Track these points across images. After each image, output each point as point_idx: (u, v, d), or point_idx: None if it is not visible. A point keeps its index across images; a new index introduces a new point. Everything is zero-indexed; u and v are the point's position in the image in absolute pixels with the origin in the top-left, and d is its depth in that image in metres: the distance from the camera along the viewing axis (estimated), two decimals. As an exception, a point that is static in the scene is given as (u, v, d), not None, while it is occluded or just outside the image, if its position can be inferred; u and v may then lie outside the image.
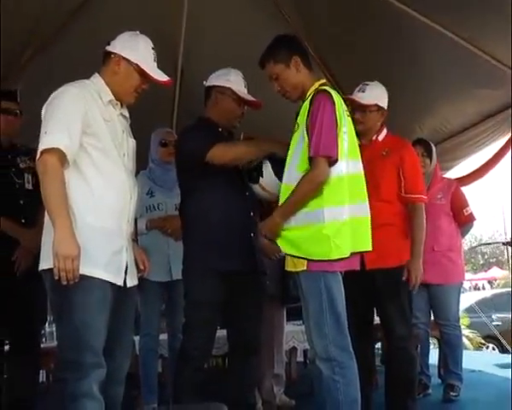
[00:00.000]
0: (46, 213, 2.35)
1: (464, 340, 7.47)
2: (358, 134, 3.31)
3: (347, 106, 2.83)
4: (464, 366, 4.50)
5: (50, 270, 2.27)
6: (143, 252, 2.77)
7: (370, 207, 2.77)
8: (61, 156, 2.32)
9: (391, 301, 3.29)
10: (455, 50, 4.44)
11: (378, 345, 4.97)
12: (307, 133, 2.62)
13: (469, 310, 10.33)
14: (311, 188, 2.61)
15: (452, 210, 4.44)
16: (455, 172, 5.62)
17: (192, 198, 3.10)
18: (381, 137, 3.46)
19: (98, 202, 2.42)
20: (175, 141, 3.95)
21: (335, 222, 2.59)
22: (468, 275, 20.72)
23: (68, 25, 4.53)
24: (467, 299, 11.58)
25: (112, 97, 2.55)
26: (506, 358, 6.48)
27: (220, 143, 2.99)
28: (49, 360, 3.80)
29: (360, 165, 2.77)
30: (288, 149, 2.74)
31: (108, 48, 2.59)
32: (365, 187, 2.77)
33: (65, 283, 2.23)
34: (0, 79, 3.92)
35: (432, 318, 4.57)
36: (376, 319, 3.56)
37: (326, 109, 2.60)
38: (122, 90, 2.58)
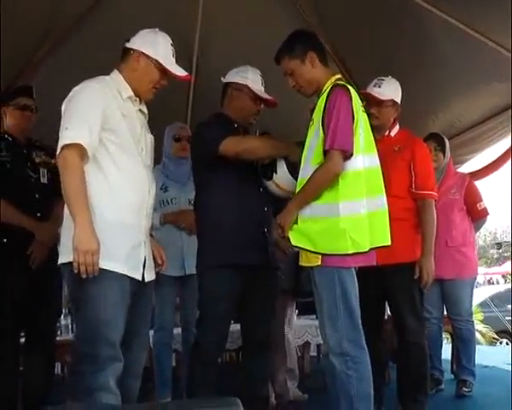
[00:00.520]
0: (65, 207, 2.37)
1: (477, 335, 7.45)
2: (372, 129, 3.32)
3: (362, 101, 2.83)
4: (477, 361, 4.49)
5: (70, 264, 2.29)
6: (161, 247, 2.78)
7: (382, 203, 2.78)
8: (81, 152, 2.34)
9: (403, 296, 3.29)
10: (469, 44, 4.41)
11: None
12: (323, 127, 2.62)
13: (483, 305, 10.29)
14: (324, 179, 2.61)
15: (466, 205, 4.42)
16: (469, 167, 5.60)
17: (206, 192, 3.11)
18: (393, 133, 3.46)
19: (117, 197, 2.44)
20: (189, 136, 3.98)
21: (352, 216, 2.59)
22: (481, 269, 20.61)
23: (83, 22, 4.55)
24: (480, 293, 11.52)
25: (131, 93, 2.57)
26: (520, 353, 6.45)
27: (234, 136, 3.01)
28: (64, 352, 3.82)
29: (377, 158, 2.77)
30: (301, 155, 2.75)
31: (128, 44, 2.60)
32: (382, 180, 2.77)
33: (84, 276, 2.26)
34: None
35: (445, 313, 4.56)
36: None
37: (343, 103, 2.60)
38: (141, 86, 2.59)
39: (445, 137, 4.49)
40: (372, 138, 2.79)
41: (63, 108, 2.44)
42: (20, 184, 3.37)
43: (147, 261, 2.55)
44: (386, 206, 2.75)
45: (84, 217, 2.28)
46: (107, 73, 2.61)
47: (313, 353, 5.56)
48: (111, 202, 2.42)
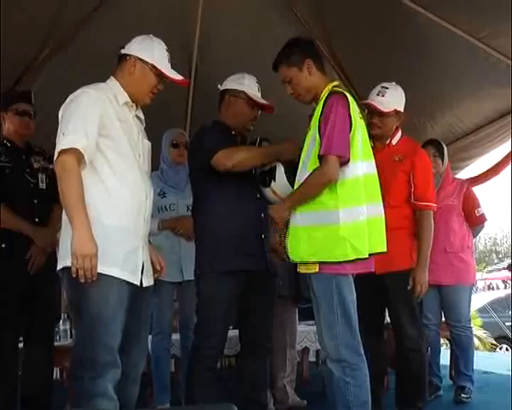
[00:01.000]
0: (64, 212, 2.38)
1: (476, 341, 7.44)
2: (374, 137, 3.33)
3: (360, 107, 2.83)
4: (477, 367, 4.48)
5: (68, 268, 2.30)
6: (159, 253, 2.79)
7: (379, 212, 2.78)
8: (78, 156, 2.35)
9: (401, 303, 3.30)
10: (468, 50, 4.43)
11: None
12: (319, 133, 2.63)
13: (482, 310, 10.26)
14: (319, 182, 2.62)
15: (464, 211, 4.41)
16: (467, 172, 5.60)
17: (204, 199, 3.12)
18: (394, 141, 3.44)
19: (114, 202, 2.45)
20: (186, 142, 3.99)
21: (352, 223, 2.60)
22: (481, 274, 20.56)
23: (81, 29, 4.56)
24: (480, 299, 11.50)
25: (127, 99, 2.58)
26: (519, 359, 6.44)
27: (226, 147, 3.00)
28: (63, 357, 3.82)
29: (374, 165, 2.78)
30: (296, 150, 2.77)
31: (123, 51, 2.62)
32: (379, 187, 2.78)
33: (83, 281, 2.26)
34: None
35: (443, 319, 4.56)
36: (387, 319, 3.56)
37: (339, 110, 2.61)
38: (138, 91, 2.61)
39: (443, 144, 4.49)
40: (369, 145, 2.80)
41: (60, 114, 2.46)
42: (18, 189, 3.39)
43: (145, 266, 2.55)
44: (383, 213, 2.76)
45: (81, 221, 2.28)
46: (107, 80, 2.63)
47: (312, 358, 5.54)
48: (108, 207, 2.43)
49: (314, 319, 2.81)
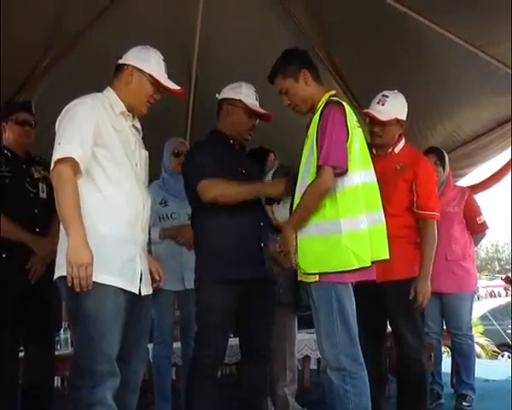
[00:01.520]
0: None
1: (478, 348, 7.41)
2: (376, 146, 3.32)
3: (357, 115, 2.83)
4: (478, 375, 4.47)
5: (65, 277, 2.30)
6: (158, 262, 2.79)
7: (380, 221, 2.78)
8: (74, 166, 2.36)
9: (402, 312, 3.28)
10: (468, 58, 4.45)
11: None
12: (316, 144, 2.63)
13: (484, 318, 10.23)
14: (315, 196, 2.62)
15: (465, 219, 4.41)
16: (469, 180, 5.60)
17: (202, 209, 3.12)
18: (397, 150, 3.40)
19: (111, 211, 2.45)
20: (187, 151, 3.99)
21: (354, 232, 2.61)
22: (484, 282, 20.53)
23: (82, 38, 4.59)
24: (482, 306, 11.47)
25: (124, 109, 2.59)
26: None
27: (211, 174, 3.01)
28: (64, 366, 3.82)
29: (373, 173, 2.78)
30: (283, 190, 2.86)
31: (120, 61, 2.63)
32: (379, 195, 2.77)
33: (78, 290, 2.26)
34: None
35: (444, 327, 4.55)
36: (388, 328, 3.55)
37: (336, 120, 2.61)
38: (135, 101, 2.62)
39: (444, 152, 4.49)
40: (368, 154, 2.80)
41: (57, 124, 2.47)
42: (19, 199, 3.38)
43: (143, 275, 2.55)
44: (384, 221, 2.75)
45: (77, 230, 2.28)
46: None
47: (313, 366, 5.53)
48: (105, 217, 2.43)
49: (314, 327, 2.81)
